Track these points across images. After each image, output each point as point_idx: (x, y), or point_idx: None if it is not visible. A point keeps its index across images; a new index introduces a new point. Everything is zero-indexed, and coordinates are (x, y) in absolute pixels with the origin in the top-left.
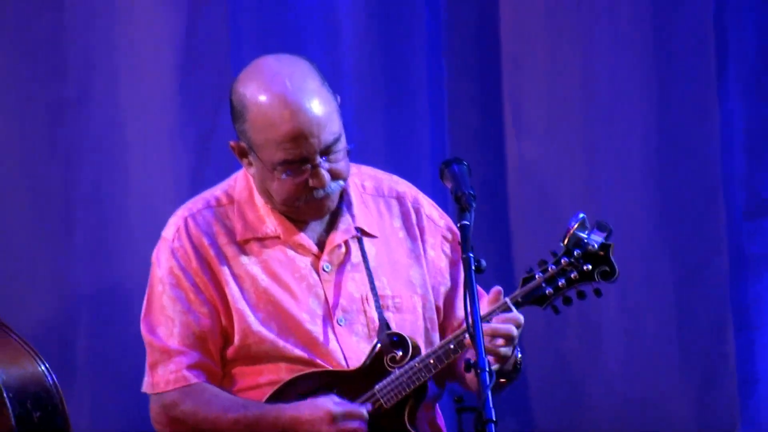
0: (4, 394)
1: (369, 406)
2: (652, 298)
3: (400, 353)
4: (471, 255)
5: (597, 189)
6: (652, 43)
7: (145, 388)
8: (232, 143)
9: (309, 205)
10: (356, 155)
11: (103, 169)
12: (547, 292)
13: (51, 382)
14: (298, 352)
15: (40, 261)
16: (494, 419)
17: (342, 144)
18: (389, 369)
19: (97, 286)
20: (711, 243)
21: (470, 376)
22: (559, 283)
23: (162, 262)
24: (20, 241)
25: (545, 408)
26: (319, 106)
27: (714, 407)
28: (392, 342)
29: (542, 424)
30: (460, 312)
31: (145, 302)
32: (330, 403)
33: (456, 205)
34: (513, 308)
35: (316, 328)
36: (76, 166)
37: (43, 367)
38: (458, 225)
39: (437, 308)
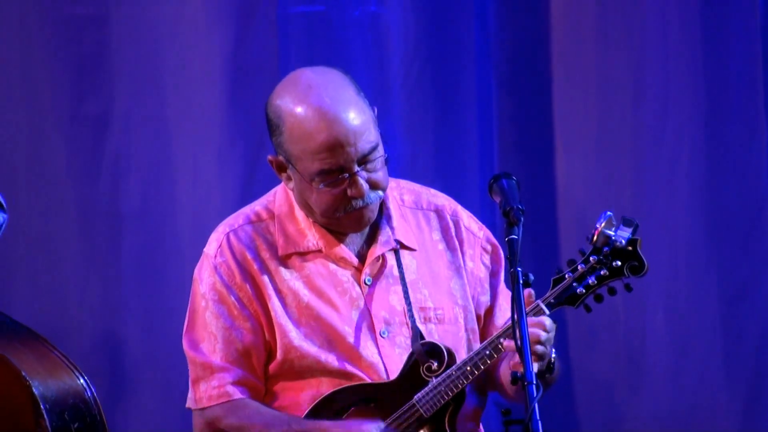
0: (42, 406)
1: None
2: (698, 313)
3: (436, 363)
4: (519, 269)
5: (644, 204)
6: (701, 61)
7: (189, 403)
8: (270, 158)
9: (349, 216)
10: (405, 170)
11: (150, 186)
12: (578, 291)
13: (90, 395)
14: (340, 366)
15: (87, 278)
16: None
17: (379, 153)
18: (426, 378)
19: (144, 302)
20: (758, 258)
21: (511, 385)
22: (590, 281)
23: (204, 278)
24: (68, 259)
25: (590, 421)
26: (355, 115)
27: (760, 420)
28: (427, 352)
29: None
30: (499, 321)
31: (187, 318)
32: (370, 429)
33: (504, 219)
34: (546, 310)
35: (359, 341)
36: (123, 183)
37: (82, 381)
38: (506, 239)
39: (477, 318)
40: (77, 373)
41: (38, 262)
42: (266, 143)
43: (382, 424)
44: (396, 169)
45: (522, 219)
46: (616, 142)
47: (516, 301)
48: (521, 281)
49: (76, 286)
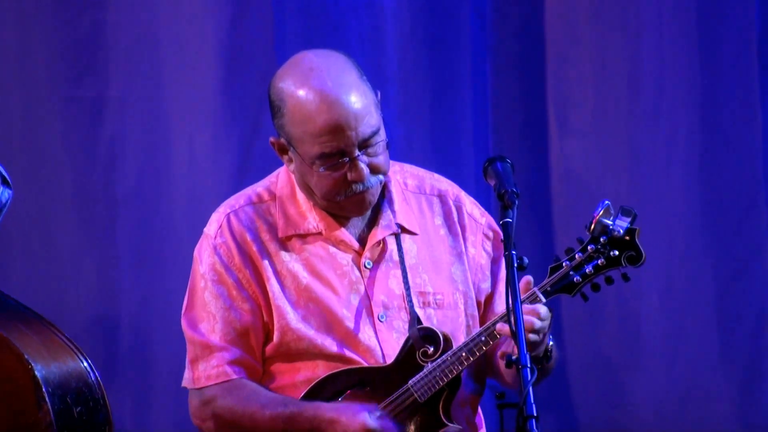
0: (44, 389)
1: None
2: (693, 297)
3: (432, 348)
4: (513, 252)
5: (640, 188)
6: (696, 45)
7: (185, 383)
8: (272, 140)
9: (349, 199)
10: (401, 153)
11: (146, 168)
12: (575, 279)
13: (93, 378)
14: (337, 350)
15: (83, 259)
16: (535, 415)
17: (381, 137)
18: (422, 364)
19: (140, 284)
20: (752, 243)
21: (509, 372)
22: (587, 270)
23: (204, 259)
24: (64, 240)
25: (585, 405)
26: (357, 98)
27: (755, 404)
28: (423, 337)
29: (582, 420)
30: (499, 308)
31: (186, 298)
32: (369, 417)
33: (499, 202)
34: (542, 297)
35: (356, 325)
36: (119, 165)
37: (85, 364)
38: (501, 222)
39: (478, 304)
40: (81, 356)
41: (34, 244)
42: (262, 126)
43: (376, 409)
44: (391, 153)
45: (516, 202)
46: (611, 126)
47: (510, 285)
48: (515, 264)
49: (71, 268)
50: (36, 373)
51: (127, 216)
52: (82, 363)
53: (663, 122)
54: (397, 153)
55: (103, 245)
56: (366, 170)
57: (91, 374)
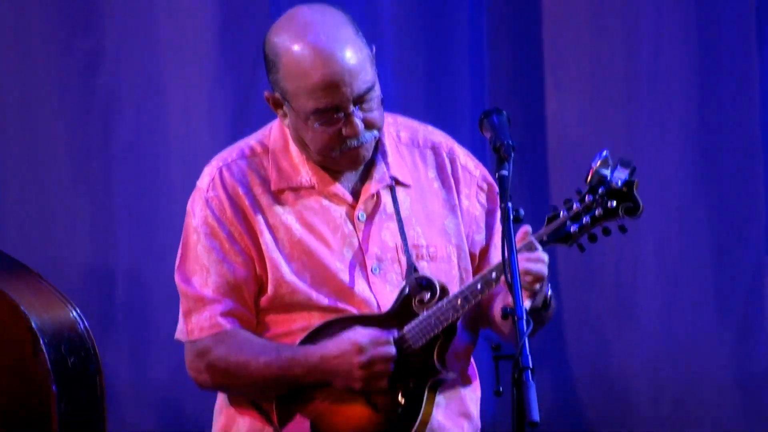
0: (41, 340)
1: (395, 332)
2: (689, 251)
3: (428, 296)
4: (509, 204)
5: (636, 146)
6: (694, 5)
7: (178, 335)
8: (266, 94)
9: (344, 155)
10: (396, 108)
11: (142, 121)
12: (572, 230)
13: (83, 328)
14: (331, 302)
15: (78, 213)
16: (531, 366)
17: (376, 93)
18: (417, 311)
19: (134, 236)
20: (749, 196)
21: (505, 324)
22: (584, 221)
23: (197, 212)
24: (59, 194)
25: (581, 359)
26: (352, 54)
27: (749, 362)
28: (420, 285)
29: (577, 375)
30: (494, 260)
31: (179, 251)
32: (355, 335)
33: (495, 155)
34: (538, 246)
35: (350, 278)
36: (114, 118)
37: (75, 314)
38: (497, 175)
39: (472, 257)
40: (70, 306)
41: (29, 198)
42: (258, 79)
43: (360, 329)
44: (387, 109)
45: (512, 155)
46: (607, 83)
47: (506, 237)
48: (511, 217)
49: (67, 221)
50: (32, 323)
51: (123, 169)
52: (71, 313)
53: (660, 78)
54: (392, 110)
55: (99, 199)
56: (361, 125)
57: (80, 324)
